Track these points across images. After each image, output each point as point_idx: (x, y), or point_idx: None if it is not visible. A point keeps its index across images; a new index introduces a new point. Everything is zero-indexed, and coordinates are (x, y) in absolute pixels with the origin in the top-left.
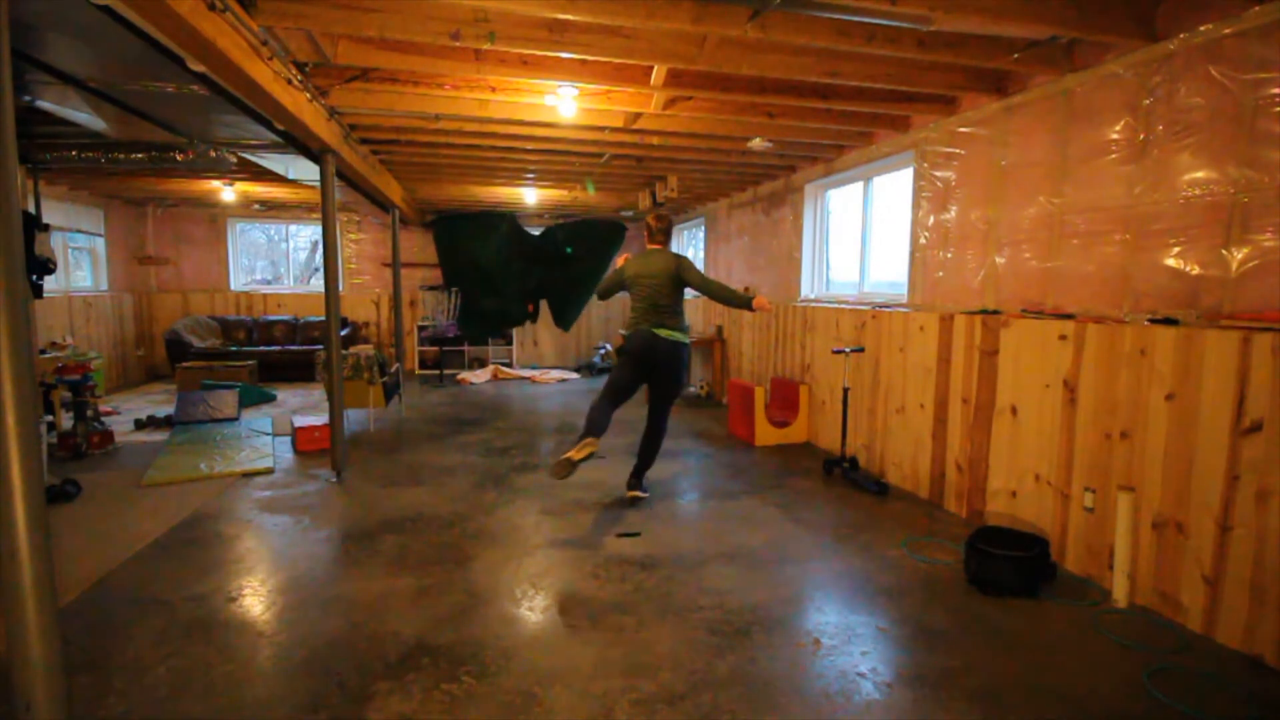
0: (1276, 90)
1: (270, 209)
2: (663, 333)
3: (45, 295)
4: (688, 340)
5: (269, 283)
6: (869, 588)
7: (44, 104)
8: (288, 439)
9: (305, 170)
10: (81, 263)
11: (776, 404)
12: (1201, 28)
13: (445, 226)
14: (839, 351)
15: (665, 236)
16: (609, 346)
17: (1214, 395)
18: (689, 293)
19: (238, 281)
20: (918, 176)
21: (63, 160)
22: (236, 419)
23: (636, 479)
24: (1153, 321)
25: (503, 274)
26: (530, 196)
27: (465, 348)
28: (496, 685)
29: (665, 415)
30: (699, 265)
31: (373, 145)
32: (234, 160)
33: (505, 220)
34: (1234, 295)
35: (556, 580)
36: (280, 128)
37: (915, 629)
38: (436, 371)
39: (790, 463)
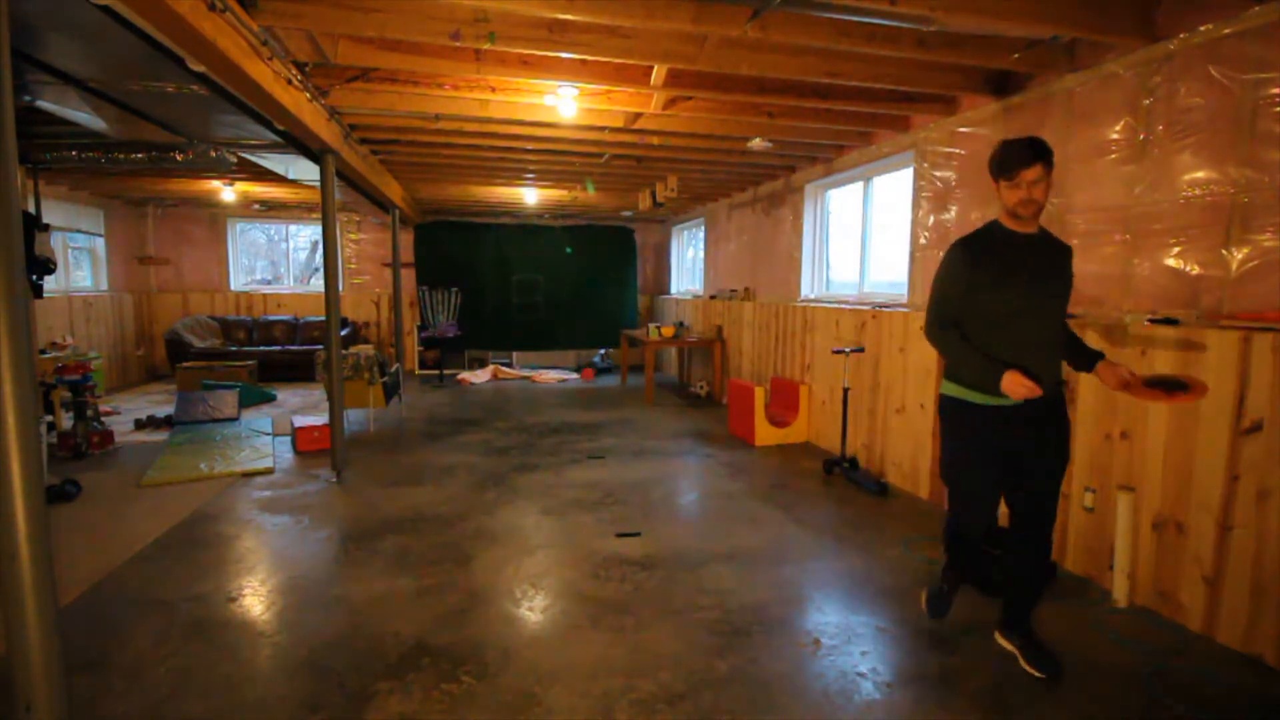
0: (1276, 90)
1: (270, 209)
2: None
3: (45, 295)
4: (944, 392)
5: (269, 283)
6: (869, 588)
7: (44, 104)
8: (288, 439)
9: (305, 170)
10: (81, 263)
11: (776, 404)
12: (1201, 28)
13: (428, 233)
14: (839, 351)
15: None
16: (607, 348)
17: (1214, 395)
18: (692, 290)
19: (238, 281)
20: (918, 176)
21: (63, 160)
22: (236, 419)
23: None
24: (1153, 321)
25: (500, 283)
26: (530, 196)
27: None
28: (496, 685)
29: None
30: (699, 265)
31: (373, 145)
32: (234, 160)
33: (492, 231)
34: (1234, 295)
35: (556, 580)
36: (280, 128)
37: (915, 629)
38: (436, 371)
39: (790, 463)
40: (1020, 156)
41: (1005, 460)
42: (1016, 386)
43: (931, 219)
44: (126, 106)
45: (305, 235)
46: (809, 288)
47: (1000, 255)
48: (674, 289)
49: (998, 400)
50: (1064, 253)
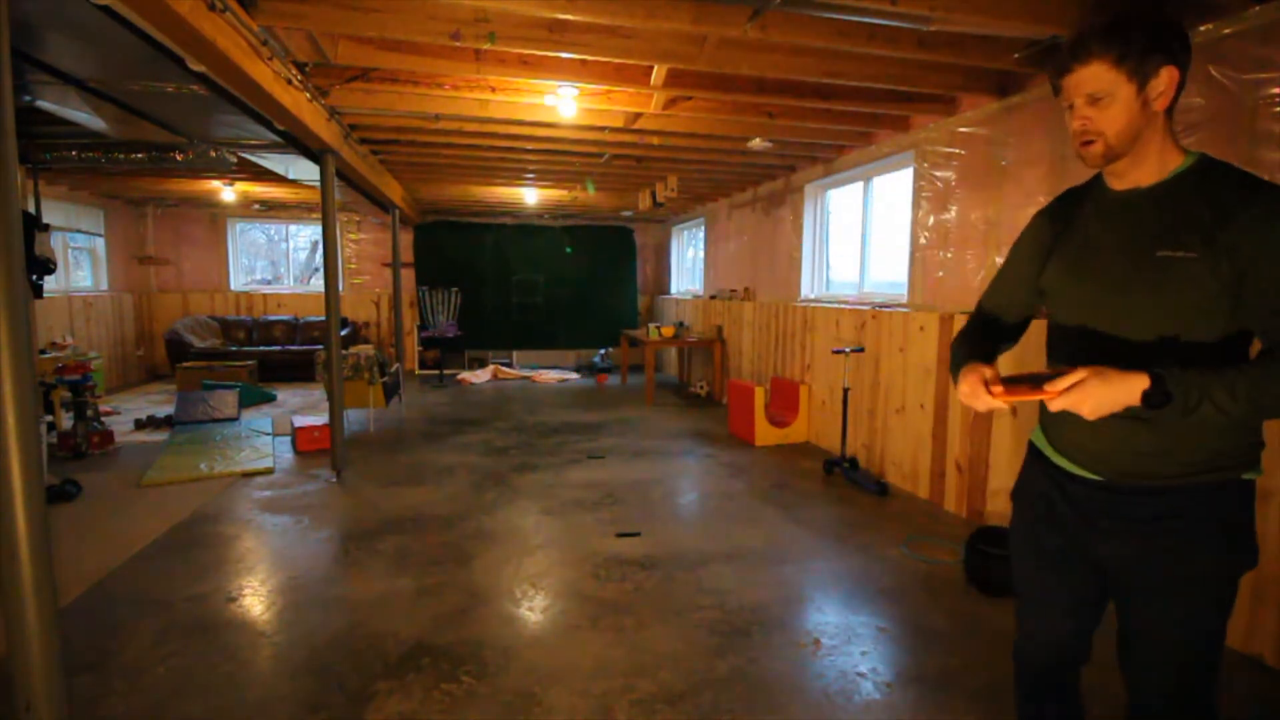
0: (1276, 90)
1: (270, 209)
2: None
3: (45, 295)
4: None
5: (269, 283)
6: (869, 588)
7: (44, 104)
8: (288, 439)
9: (305, 170)
10: (81, 263)
11: (776, 404)
12: (1201, 28)
13: (428, 233)
14: (839, 351)
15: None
16: (609, 347)
17: None
18: (692, 290)
19: (238, 281)
20: (917, 176)
21: (63, 160)
22: (236, 419)
23: None
24: None
25: (500, 283)
26: (530, 196)
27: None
28: (496, 685)
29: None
30: (699, 265)
31: (373, 145)
32: (234, 160)
33: (492, 231)
34: None
35: (556, 580)
36: (280, 128)
37: (915, 629)
38: (436, 371)
39: (790, 463)
40: (1066, 51)
41: (1086, 571)
42: (964, 389)
43: (931, 219)
44: (126, 106)
45: (305, 235)
46: (809, 288)
47: (1078, 224)
48: (674, 289)
49: (1062, 459)
50: (1232, 209)
